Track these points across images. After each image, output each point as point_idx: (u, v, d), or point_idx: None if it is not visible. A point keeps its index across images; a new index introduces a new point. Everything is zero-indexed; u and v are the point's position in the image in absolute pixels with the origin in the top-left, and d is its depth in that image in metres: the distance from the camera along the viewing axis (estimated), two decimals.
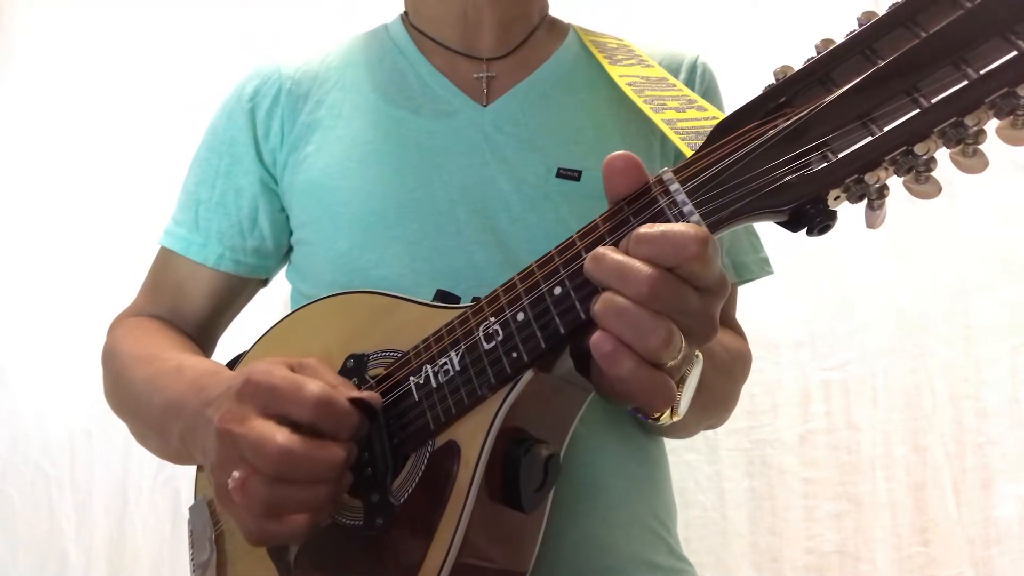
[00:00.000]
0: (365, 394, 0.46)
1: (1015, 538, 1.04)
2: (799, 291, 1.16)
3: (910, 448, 1.10)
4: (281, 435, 0.41)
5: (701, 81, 0.69)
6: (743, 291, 0.72)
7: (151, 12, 1.52)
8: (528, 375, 0.42)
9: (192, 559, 0.59)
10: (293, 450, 0.41)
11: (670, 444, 0.67)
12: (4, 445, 1.46)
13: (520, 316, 0.42)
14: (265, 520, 0.42)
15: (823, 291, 1.16)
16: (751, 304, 0.73)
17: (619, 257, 0.36)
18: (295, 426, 0.43)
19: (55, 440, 1.44)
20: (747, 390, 0.69)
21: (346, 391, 0.45)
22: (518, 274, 0.43)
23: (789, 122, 0.35)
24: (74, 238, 1.49)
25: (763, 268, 0.71)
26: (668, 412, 0.46)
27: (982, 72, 0.31)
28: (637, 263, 0.36)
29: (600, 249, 0.38)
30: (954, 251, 1.11)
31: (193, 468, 0.61)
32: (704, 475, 1.18)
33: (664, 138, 0.63)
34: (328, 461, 0.42)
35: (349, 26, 0.74)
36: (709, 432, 1.20)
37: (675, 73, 0.68)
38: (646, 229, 0.36)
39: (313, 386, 0.43)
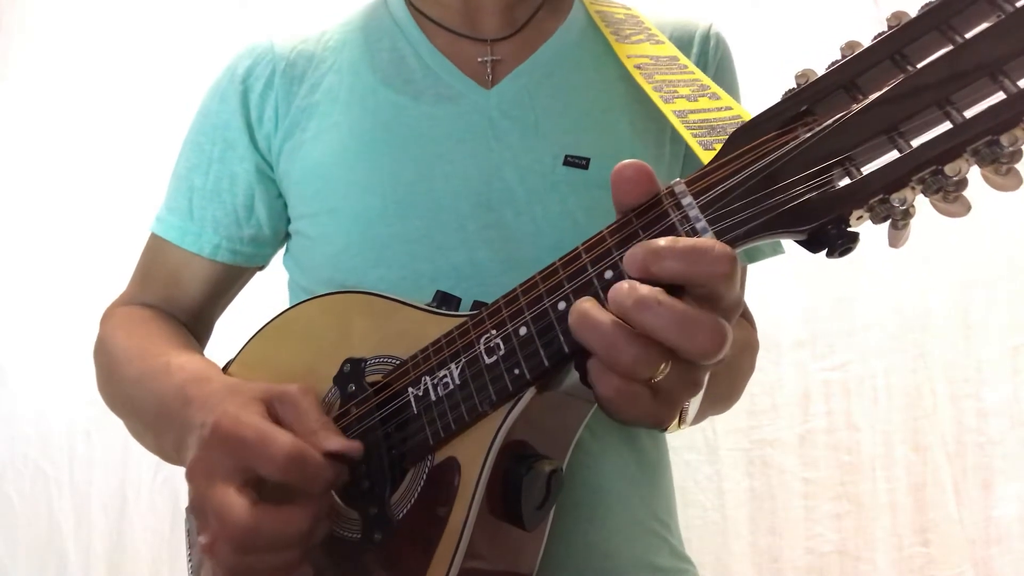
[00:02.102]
0: (345, 445, 0.44)
1: (1015, 538, 1.05)
2: (800, 290, 1.16)
3: (910, 448, 1.10)
4: (241, 509, 0.40)
5: (715, 54, 0.65)
6: (747, 287, 0.70)
7: (151, 12, 1.50)
8: (530, 392, 0.41)
9: (190, 560, 0.59)
10: (253, 526, 0.39)
11: (670, 443, 0.66)
12: (4, 445, 1.46)
13: (523, 331, 0.40)
14: None
15: (823, 291, 1.16)
16: (751, 304, 0.72)
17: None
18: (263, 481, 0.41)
19: (54, 440, 1.44)
20: (747, 390, 0.68)
21: (325, 437, 0.43)
22: (520, 286, 0.41)
23: (811, 133, 0.33)
24: (73, 238, 1.48)
25: (775, 249, 0.67)
26: (676, 421, 0.45)
27: (1021, 84, 0.29)
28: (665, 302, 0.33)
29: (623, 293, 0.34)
30: (954, 251, 1.11)
31: None
32: (704, 475, 1.18)
33: None
34: (292, 532, 0.41)
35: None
36: (709, 432, 1.20)
37: (687, 46, 0.64)
38: (667, 242, 0.33)
39: (283, 442, 0.41)
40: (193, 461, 0.43)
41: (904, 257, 1.14)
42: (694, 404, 0.43)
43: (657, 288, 0.33)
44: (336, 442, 0.44)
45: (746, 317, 0.70)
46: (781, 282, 1.13)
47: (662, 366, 0.34)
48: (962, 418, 1.09)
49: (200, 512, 0.42)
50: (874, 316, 1.13)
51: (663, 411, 0.36)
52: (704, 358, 0.33)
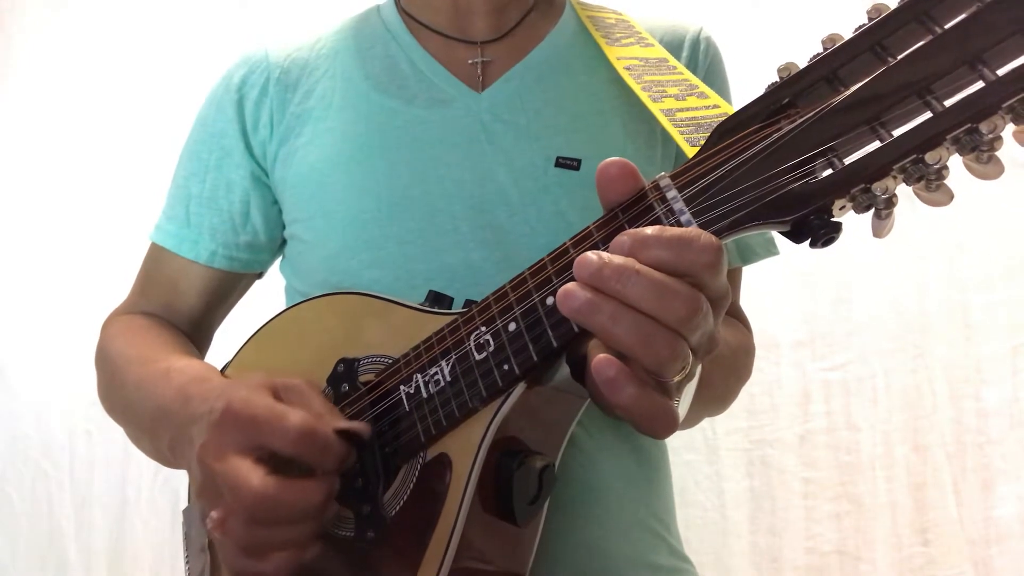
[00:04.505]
0: (353, 425, 0.44)
1: (1015, 538, 1.04)
2: (799, 290, 1.16)
3: (910, 448, 1.10)
4: (256, 478, 0.40)
5: (704, 57, 0.66)
6: (745, 287, 0.70)
7: (151, 12, 1.51)
8: (520, 387, 0.41)
9: (187, 562, 0.59)
10: (268, 495, 0.40)
11: (670, 443, 0.66)
12: (4, 445, 1.46)
13: (512, 326, 0.40)
14: (246, 558, 0.41)
15: (823, 290, 1.15)
16: (751, 304, 0.72)
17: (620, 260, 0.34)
18: (276, 458, 0.41)
19: (55, 440, 1.44)
20: (747, 390, 0.68)
21: (332, 420, 0.44)
22: (510, 282, 0.42)
23: (793, 125, 0.34)
24: (74, 237, 1.48)
25: (769, 249, 0.68)
26: None
27: (1000, 73, 0.29)
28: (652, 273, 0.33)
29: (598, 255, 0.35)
30: (954, 251, 1.10)
31: None
32: (704, 475, 1.18)
33: None
34: (306, 503, 0.41)
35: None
36: (709, 432, 1.20)
37: (677, 50, 0.65)
38: (654, 231, 0.34)
39: (295, 417, 0.41)
40: (203, 444, 0.43)
41: (904, 257, 1.15)
42: (685, 399, 0.43)
43: (630, 259, 0.34)
44: (344, 423, 0.44)
45: (742, 321, 0.70)
46: (781, 282, 1.13)
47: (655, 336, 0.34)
48: (962, 418, 1.08)
49: (211, 490, 0.42)
50: (874, 316, 1.13)
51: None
52: (682, 325, 0.33)
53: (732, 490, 1.16)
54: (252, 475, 0.40)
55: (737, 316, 0.69)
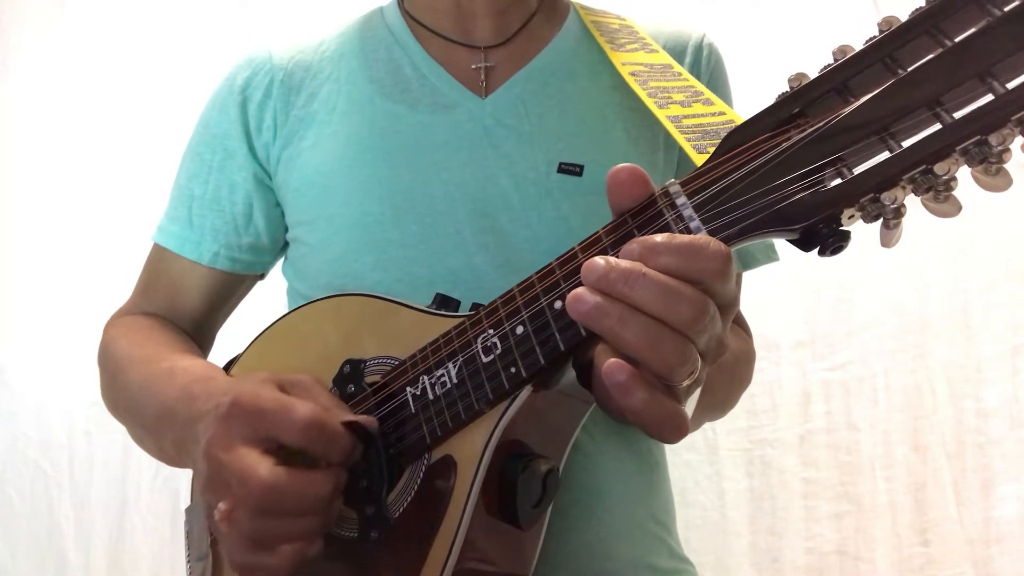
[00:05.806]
0: (361, 418, 0.44)
1: (1015, 538, 1.05)
2: (799, 291, 1.16)
3: (910, 448, 1.10)
4: (264, 468, 0.40)
5: (707, 63, 0.67)
6: (745, 288, 0.71)
7: (151, 12, 1.51)
8: (527, 391, 0.41)
9: (188, 560, 0.59)
10: (277, 485, 0.40)
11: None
12: (4, 445, 1.46)
13: (519, 330, 0.41)
14: (252, 551, 0.41)
15: (823, 291, 1.16)
16: (751, 304, 0.72)
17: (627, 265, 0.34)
18: (285, 450, 0.42)
19: (55, 440, 1.44)
20: (747, 390, 0.68)
21: (340, 413, 0.44)
22: (517, 286, 0.42)
23: (803, 134, 0.34)
24: (74, 238, 1.48)
25: (769, 255, 0.68)
26: None
27: (1009, 86, 0.30)
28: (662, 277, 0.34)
29: (607, 260, 0.35)
30: (954, 251, 1.11)
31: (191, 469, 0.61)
32: (704, 475, 1.18)
33: None
34: (315, 494, 0.41)
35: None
36: (709, 432, 1.20)
37: (680, 55, 0.66)
38: (663, 238, 0.34)
39: (303, 409, 0.42)
40: (210, 437, 0.43)
41: (904, 258, 1.15)
42: (691, 403, 0.43)
43: (637, 263, 0.34)
44: (351, 416, 0.44)
45: (742, 326, 0.70)
46: (781, 283, 1.13)
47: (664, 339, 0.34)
48: (962, 418, 1.09)
49: (218, 482, 0.42)
50: (874, 316, 1.13)
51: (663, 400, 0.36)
52: (688, 328, 0.34)
53: (732, 490, 1.17)
54: (260, 465, 0.40)
55: (738, 321, 0.70)
